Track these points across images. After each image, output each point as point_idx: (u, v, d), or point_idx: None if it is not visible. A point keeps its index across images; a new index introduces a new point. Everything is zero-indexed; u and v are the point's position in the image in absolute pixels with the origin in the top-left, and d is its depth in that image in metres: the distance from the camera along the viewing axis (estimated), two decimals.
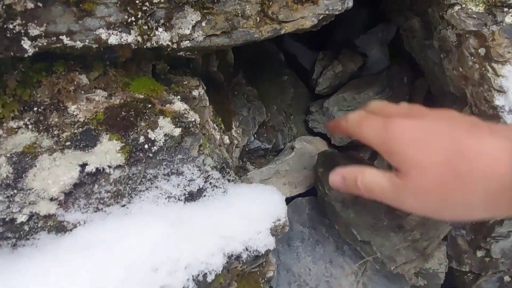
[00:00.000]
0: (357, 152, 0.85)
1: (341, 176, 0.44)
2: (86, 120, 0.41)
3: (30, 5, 0.32)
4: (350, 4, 0.58)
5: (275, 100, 0.89)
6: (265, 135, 0.78)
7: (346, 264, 0.64)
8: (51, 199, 0.37)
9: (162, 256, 0.34)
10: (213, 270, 0.36)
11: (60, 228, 0.37)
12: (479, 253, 0.64)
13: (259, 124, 0.72)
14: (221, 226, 0.39)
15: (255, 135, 0.72)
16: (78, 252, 0.32)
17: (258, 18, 0.49)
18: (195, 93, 0.51)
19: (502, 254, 0.63)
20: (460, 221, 0.50)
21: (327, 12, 0.54)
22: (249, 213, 0.41)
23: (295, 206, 0.72)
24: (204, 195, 0.43)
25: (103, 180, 0.40)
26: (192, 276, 0.35)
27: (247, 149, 0.73)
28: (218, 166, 0.47)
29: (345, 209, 0.60)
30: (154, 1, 0.39)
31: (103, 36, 0.38)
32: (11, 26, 0.33)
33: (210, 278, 0.36)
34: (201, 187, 0.43)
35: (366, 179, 0.40)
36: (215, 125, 0.56)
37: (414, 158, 0.35)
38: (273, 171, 0.73)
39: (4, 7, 0.31)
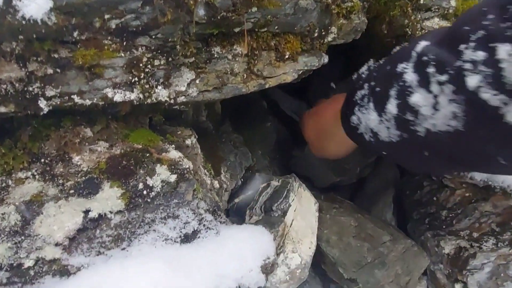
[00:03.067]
0: (336, 192, 0.90)
1: None
2: (89, 169, 0.45)
3: (50, 71, 0.37)
4: (326, 60, 0.65)
5: (259, 145, 0.94)
6: None
7: None
8: (56, 244, 0.40)
9: None
10: None
11: (64, 272, 0.39)
12: (458, 286, 0.68)
13: (245, 168, 0.77)
14: (215, 265, 0.42)
15: (242, 179, 0.76)
16: None
17: (245, 75, 0.55)
18: (188, 142, 0.56)
19: (479, 286, 0.67)
20: (333, 157, 0.75)
21: (305, 68, 0.61)
22: (241, 253, 0.45)
23: None
24: (199, 237, 0.46)
25: (105, 225, 0.43)
26: None
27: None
28: (211, 209, 0.51)
29: (331, 248, 0.64)
30: (155, 64, 0.45)
31: (109, 95, 0.43)
32: (30, 89, 0.37)
33: None
34: (195, 229, 0.46)
35: None
36: (205, 171, 0.60)
37: (307, 136, 0.74)
38: None
39: (27, 73, 0.36)
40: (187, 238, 0.46)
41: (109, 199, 0.44)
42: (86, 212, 0.42)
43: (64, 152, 0.44)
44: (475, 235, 0.66)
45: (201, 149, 0.64)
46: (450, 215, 0.69)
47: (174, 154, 0.51)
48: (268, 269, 0.47)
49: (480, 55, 0.36)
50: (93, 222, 0.42)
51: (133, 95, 0.44)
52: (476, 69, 0.36)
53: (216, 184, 0.62)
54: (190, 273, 0.40)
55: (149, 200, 0.46)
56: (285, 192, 0.64)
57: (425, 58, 0.42)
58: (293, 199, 0.64)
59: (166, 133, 0.55)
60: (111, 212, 0.43)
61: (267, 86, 0.58)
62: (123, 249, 0.42)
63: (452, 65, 0.38)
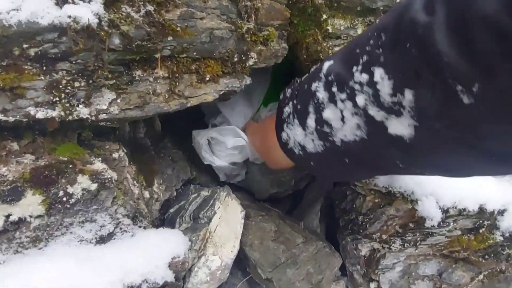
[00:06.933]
0: (276, 204, 0.97)
1: None
2: (14, 179, 0.50)
3: None
4: (248, 81, 0.73)
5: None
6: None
7: None
8: None
9: (64, 285, 0.41)
10: None
11: None
12: (372, 285, 0.74)
13: (184, 181, 0.83)
14: (123, 262, 0.47)
15: (181, 190, 0.82)
16: None
17: (167, 95, 0.62)
18: (115, 155, 0.62)
19: (390, 285, 0.74)
20: (284, 166, 0.73)
21: (227, 89, 0.69)
22: (149, 251, 0.50)
23: None
24: (114, 238, 0.52)
25: (24, 227, 0.48)
26: None
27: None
28: (131, 215, 0.56)
29: (253, 251, 0.70)
30: (75, 85, 0.51)
31: (32, 112, 0.49)
32: None
33: None
34: (111, 231, 0.52)
35: None
36: (135, 181, 0.66)
37: (257, 150, 0.79)
38: None
39: None
40: (102, 240, 0.51)
41: (30, 205, 0.49)
42: (8, 216, 0.47)
43: None
44: (384, 237, 0.73)
45: (135, 163, 0.70)
46: (365, 220, 0.76)
47: (98, 165, 0.57)
48: (178, 266, 0.53)
49: (364, 77, 0.41)
50: (14, 225, 0.47)
51: (54, 113, 0.51)
52: (362, 90, 0.42)
53: (147, 194, 0.68)
54: (98, 269, 0.45)
55: (68, 206, 0.51)
56: (211, 201, 0.71)
57: (330, 77, 0.48)
58: (219, 207, 0.70)
59: (94, 147, 0.61)
60: (31, 216, 0.48)
61: (189, 105, 0.65)
62: (40, 248, 0.47)
63: (348, 85, 0.44)
